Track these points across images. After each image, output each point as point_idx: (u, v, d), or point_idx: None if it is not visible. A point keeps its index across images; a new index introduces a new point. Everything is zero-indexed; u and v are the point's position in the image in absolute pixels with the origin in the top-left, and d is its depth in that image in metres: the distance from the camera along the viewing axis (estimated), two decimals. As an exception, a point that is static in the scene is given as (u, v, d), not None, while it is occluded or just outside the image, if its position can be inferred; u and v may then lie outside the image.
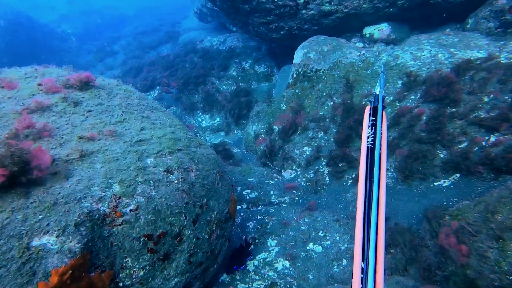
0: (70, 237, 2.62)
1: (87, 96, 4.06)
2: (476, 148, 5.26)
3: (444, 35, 7.23)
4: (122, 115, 3.88)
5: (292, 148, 7.45)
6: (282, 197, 6.61)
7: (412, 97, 6.55)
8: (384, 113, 1.92)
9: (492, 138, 5.21)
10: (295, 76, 8.47)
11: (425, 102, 6.27)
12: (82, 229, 2.70)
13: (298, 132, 7.60)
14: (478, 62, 6.16)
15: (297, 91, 8.27)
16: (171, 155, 3.78)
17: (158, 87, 12.01)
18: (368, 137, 1.74)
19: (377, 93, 2.06)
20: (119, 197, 3.01)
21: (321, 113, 7.58)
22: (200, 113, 10.89)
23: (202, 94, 11.18)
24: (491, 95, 5.65)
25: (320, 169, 6.87)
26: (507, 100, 5.50)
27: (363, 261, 1.26)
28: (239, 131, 10.17)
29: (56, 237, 2.56)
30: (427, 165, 5.62)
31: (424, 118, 6.07)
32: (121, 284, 2.97)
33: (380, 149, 1.64)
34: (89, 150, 3.26)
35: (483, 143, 5.21)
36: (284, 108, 8.27)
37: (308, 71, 8.21)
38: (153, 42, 17.60)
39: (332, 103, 7.55)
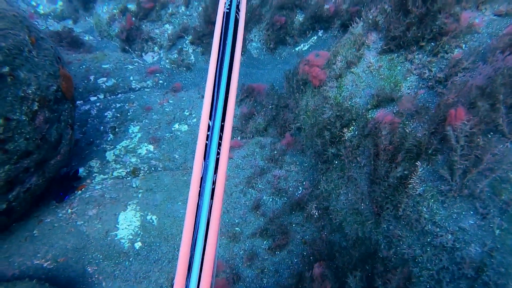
0: None
1: None
2: (326, 6, 5.26)
3: None
4: None
5: (151, 27, 6.47)
6: (144, 82, 5.89)
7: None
8: None
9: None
10: None
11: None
12: None
13: (156, 9, 6.55)
14: None
15: (151, -42, 6.87)
16: None
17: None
18: (225, 3, 1.59)
19: None
20: None
21: (181, -16, 6.57)
22: (33, -5, 8.50)
23: (31, -31, 8.58)
24: None
25: (184, 48, 6.22)
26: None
27: (210, 118, 1.19)
28: (92, 18, 8.41)
29: None
30: (288, 30, 5.50)
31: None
32: None
33: (238, 14, 1.53)
34: None
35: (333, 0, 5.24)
36: (138, -20, 6.90)
37: None
38: None
39: (192, -29, 6.54)
